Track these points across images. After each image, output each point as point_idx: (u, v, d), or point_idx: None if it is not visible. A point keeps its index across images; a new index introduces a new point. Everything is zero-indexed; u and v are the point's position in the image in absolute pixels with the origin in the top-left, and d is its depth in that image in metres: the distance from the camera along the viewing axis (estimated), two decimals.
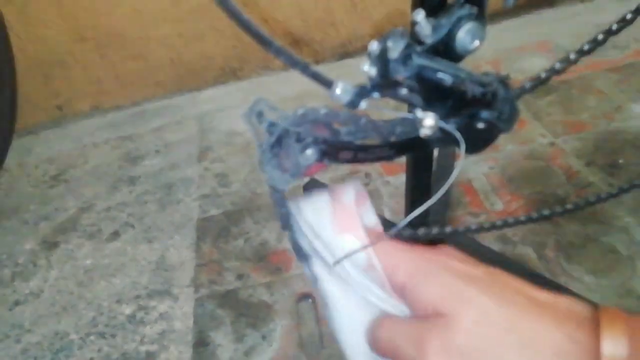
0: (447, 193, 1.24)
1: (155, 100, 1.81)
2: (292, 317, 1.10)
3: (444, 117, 0.40)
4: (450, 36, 0.36)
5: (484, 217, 1.20)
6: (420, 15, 0.36)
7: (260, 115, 0.38)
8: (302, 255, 0.38)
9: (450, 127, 0.40)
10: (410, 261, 0.32)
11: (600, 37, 0.80)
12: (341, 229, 0.34)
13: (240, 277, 1.21)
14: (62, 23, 1.59)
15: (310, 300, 1.13)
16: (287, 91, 1.72)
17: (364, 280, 0.33)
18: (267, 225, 1.31)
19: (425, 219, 1.12)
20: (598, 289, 0.99)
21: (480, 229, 0.99)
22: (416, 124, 0.39)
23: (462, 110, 0.39)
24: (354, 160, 0.46)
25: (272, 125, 0.38)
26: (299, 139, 0.39)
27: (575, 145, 1.29)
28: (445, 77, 0.36)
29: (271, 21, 1.69)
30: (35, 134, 1.82)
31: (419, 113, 0.39)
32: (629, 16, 0.80)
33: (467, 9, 0.36)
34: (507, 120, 0.40)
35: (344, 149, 0.45)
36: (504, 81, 0.41)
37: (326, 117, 0.40)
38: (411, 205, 1.07)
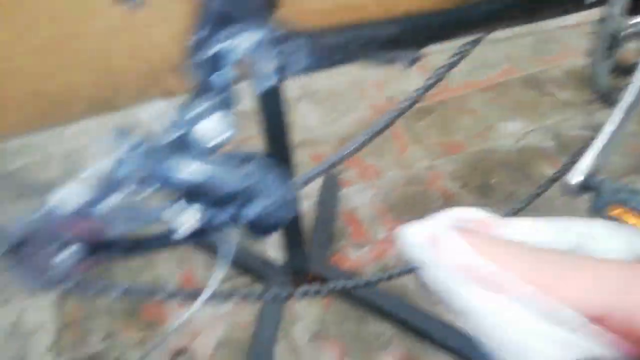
0: (329, 226, 1.20)
1: (16, 138, 1.62)
2: None
3: (211, 207, 0.34)
4: (191, 130, 0.30)
5: (368, 247, 1.18)
6: (153, 108, 0.30)
7: None
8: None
9: (218, 219, 0.34)
10: (607, 278, 0.21)
11: (441, 70, 0.80)
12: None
13: (108, 335, 1.08)
14: None
15: (186, 355, 1.03)
16: (91, 163, 1.61)
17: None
18: (142, 274, 1.20)
19: (306, 256, 1.07)
20: None
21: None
22: (170, 222, 0.33)
23: (229, 202, 0.34)
24: (133, 252, 0.40)
25: None
26: (49, 242, 0.32)
27: (452, 167, 1.31)
28: (187, 178, 0.30)
29: (144, 48, 1.58)
30: None
31: (182, 204, 0.33)
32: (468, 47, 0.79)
33: (209, 100, 0.31)
34: (279, 209, 0.34)
35: (117, 241, 0.38)
36: (273, 166, 0.35)
37: (82, 211, 0.33)
38: (290, 250, 1.02)
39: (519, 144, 1.35)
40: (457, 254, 0.23)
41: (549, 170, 1.23)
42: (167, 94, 1.69)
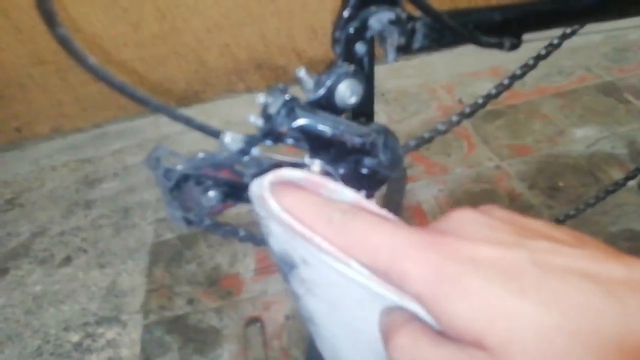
0: (397, 216, 1.27)
1: (117, 122, 1.81)
2: (240, 341, 1.10)
3: (331, 163, 0.42)
4: (330, 91, 0.39)
5: None
6: (302, 71, 0.39)
7: (157, 161, 0.40)
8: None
9: (335, 172, 0.42)
10: (425, 263, 0.22)
11: (531, 62, 0.84)
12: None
13: (190, 302, 1.21)
14: (20, 47, 1.59)
15: (258, 324, 1.13)
16: (249, 114, 1.73)
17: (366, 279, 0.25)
18: (221, 249, 1.31)
19: None
20: None
21: None
22: (304, 169, 0.42)
23: (346, 157, 0.42)
24: None
25: (169, 171, 0.40)
26: (198, 182, 0.41)
27: (520, 169, 1.33)
28: (325, 129, 0.39)
29: (234, 46, 1.72)
30: None
31: (307, 160, 0.42)
32: (555, 41, 0.84)
33: (345, 67, 0.39)
34: (389, 166, 0.42)
35: (247, 190, 0.47)
36: (386, 131, 0.43)
37: (227, 161, 0.43)
38: None
39: (590, 149, 1.35)
40: (275, 212, 0.26)
41: (620, 176, 1.23)
42: (250, 90, 1.82)
